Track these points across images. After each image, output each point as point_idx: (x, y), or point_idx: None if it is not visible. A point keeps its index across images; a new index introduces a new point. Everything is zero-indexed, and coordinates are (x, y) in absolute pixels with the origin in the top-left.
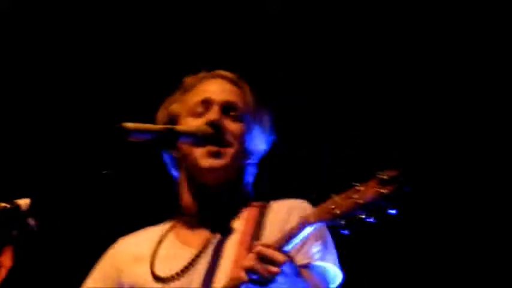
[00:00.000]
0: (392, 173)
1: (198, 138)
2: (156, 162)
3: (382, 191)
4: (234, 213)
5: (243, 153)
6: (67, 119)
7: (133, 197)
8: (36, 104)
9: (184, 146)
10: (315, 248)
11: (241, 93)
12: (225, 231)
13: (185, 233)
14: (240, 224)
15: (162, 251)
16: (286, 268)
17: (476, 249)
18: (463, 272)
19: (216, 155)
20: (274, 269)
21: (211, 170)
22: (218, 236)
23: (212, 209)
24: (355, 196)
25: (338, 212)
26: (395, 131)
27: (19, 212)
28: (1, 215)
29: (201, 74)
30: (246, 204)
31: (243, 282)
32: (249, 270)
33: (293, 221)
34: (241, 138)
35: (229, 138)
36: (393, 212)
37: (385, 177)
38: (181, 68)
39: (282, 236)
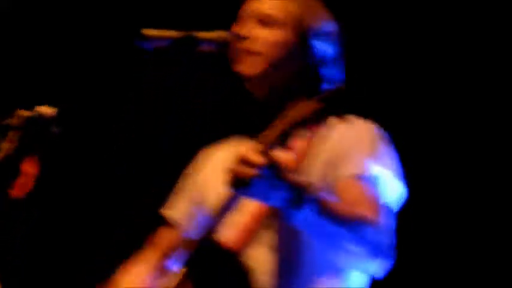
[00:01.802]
0: (330, 92)
1: (220, 45)
2: None
3: (317, 106)
4: (295, 129)
5: (290, 60)
6: (89, 29)
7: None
8: (57, 14)
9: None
10: (363, 157)
11: (286, 1)
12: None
13: None
14: (300, 143)
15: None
16: (267, 172)
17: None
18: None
19: (243, 63)
20: (249, 170)
21: (243, 78)
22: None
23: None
24: (291, 115)
25: (277, 134)
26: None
27: (43, 120)
28: (25, 123)
29: None
30: (316, 118)
31: (230, 185)
32: (231, 173)
33: (338, 148)
34: (275, 43)
35: (257, 45)
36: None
37: (323, 96)
38: None
39: (267, 141)
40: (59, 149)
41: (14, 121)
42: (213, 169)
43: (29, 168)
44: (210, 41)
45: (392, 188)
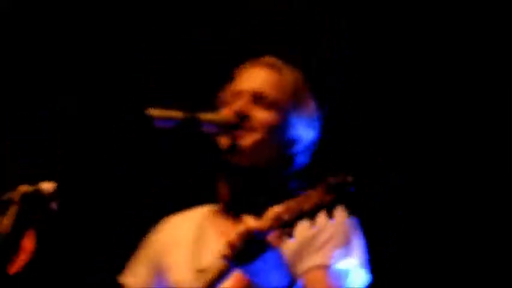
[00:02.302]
0: (340, 179)
1: (221, 127)
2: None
3: (325, 198)
4: (270, 206)
5: (277, 142)
6: (92, 106)
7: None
8: (60, 86)
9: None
10: (336, 250)
11: (278, 79)
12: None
13: (220, 222)
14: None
15: (198, 239)
16: (269, 255)
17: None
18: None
19: (236, 138)
20: (254, 249)
21: (230, 151)
22: None
23: (246, 199)
24: (298, 204)
25: (280, 220)
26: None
27: (42, 195)
28: (24, 198)
29: (246, 64)
30: (289, 196)
31: (228, 259)
32: (233, 248)
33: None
34: (270, 125)
35: (255, 124)
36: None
37: (332, 182)
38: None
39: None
40: (57, 224)
41: (15, 196)
42: (174, 239)
43: (27, 244)
44: (212, 122)
45: (357, 277)
